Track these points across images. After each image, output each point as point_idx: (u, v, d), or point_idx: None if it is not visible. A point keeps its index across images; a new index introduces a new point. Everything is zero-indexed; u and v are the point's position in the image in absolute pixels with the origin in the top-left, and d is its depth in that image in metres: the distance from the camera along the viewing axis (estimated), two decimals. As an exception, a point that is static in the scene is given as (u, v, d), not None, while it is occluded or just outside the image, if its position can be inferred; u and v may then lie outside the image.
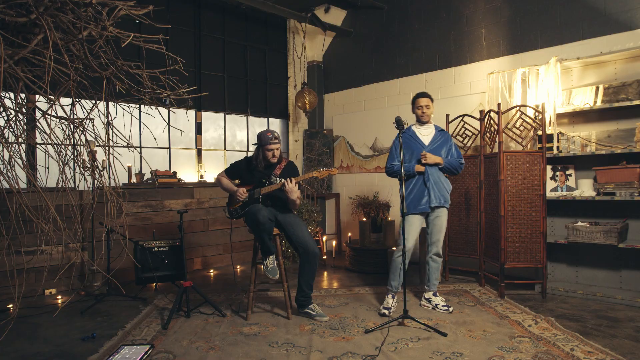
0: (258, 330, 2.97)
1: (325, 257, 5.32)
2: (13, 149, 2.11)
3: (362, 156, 5.80)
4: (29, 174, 2.15)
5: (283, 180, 3.17)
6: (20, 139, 2.13)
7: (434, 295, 3.38)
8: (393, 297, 3.30)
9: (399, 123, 3.01)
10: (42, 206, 2.26)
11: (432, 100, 3.34)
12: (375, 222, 4.77)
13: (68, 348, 2.69)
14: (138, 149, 4.70)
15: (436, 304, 3.33)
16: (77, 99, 2.41)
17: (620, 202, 3.57)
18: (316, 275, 3.54)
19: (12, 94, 2.25)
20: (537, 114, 3.81)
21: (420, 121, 3.36)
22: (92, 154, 2.79)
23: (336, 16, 6.00)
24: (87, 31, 2.11)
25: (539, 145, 3.75)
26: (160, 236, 4.53)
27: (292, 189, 3.12)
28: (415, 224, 3.27)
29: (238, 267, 5.10)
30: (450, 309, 3.25)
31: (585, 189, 3.68)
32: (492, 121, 3.96)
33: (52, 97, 2.09)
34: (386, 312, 3.21)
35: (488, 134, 4.05)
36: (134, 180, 4.63)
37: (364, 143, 5.77)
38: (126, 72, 2.45)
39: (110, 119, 2.58)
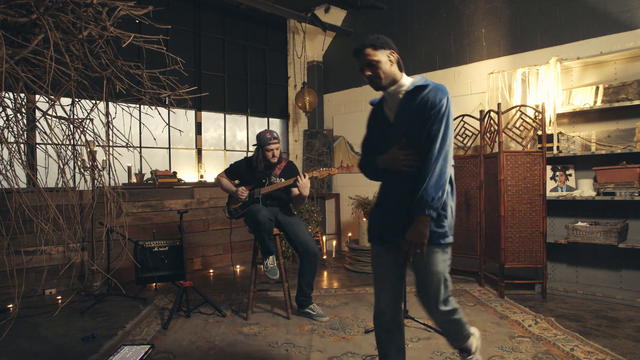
0: (258, 330, 2.97)
1: (325, 257, 5.31)
2: (13, 148, 2.11)
3: (362, 156, 5.79)
4: (30, 174, 2.15)
5: (290, 178, 3.17)
6: (20, 140, 2.13)
7: None
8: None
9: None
10: (42, 206, 2.26)
11: (381, 47, 1.83)
12: (375, 222, 4.77)
13: (68, 348, 2.69)
14: (138, 149, 4.70)
15: None
16: (77, 99, 2.41)
17: (620, 202, 3.57)
18: (316, 275, 3.54)
19: (11, 94, 2.25)
20: (537, 114, 3.81)
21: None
22: (92, 154, 2.79)
23: (336, 16, 6.00)
24: (87, 31, 2.11)
25: (539, 145, 3.75)
26: (160, 236, 4.53)
27: (306, 184, 3.11)
28: (384, 264, 1.88)
29: (238, 267, 5.10)
30: None
31: (585, 189, 3.68)
32: (492, 121, 3.96)
33: (53, 97, 2.09)
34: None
35: (488, 134, 4.05)
36: (134, 180, 4.63)
37: (364, 143, 5.76)
38: (126, 72, 2.45)
39: (110, 119, 2.58)
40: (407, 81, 1.87)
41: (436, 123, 1.72)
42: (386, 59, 1.83)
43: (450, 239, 1.78)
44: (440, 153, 1.70)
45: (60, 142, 2.32)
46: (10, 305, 3.46)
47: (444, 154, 1.70)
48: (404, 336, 1.95)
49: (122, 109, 2.64)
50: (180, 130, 3.55)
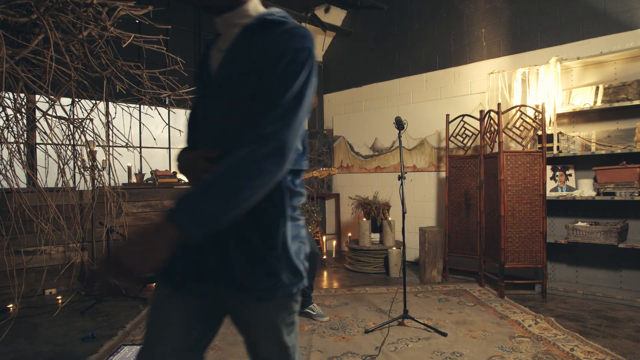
0: (258, 330, 2.97)
1: (325, 257, 5.31)
2: (13, 148, 2.11)
3: (362, 156, 5.79)
4: (30, 174, 2.16)
5: None
6: (20, 140, 2.13)
7: None
8: None
9: (399, 123, 3.01)
10: (42, 206, 2.26)
11: None
12: (375, 222, 4.77)
13: (68, 348, 2.69)
14: (138, 149, 4.70)
15: None
16: (77, 99, 2.41)
17: (620, 202, 3.57)
18: (316, 275, 3.54)
19: (11, 94, 2.25)
20: (537, 114, 3.81)
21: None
22: (92, 154, 2.79)
23: (336, 16, 6.00)
24: (87, 31, 2.11)
25: (539, 145, 3.75)
26: (160, 236, 4.53)
27: None
28: (168, 312, 1.10)
29: (238, 267, 5.09)
30: None
31: (585, 189, 3.68)
32: (492, 121, 3.96)
33: (53, 97, 2.09)
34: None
35: (488, 134, 4.05)
36: (134, 180, 4.63)
37: (364, 143, 5.77)
38: (126, 72, 2.46)
39: (110, 119, 2.58)
40: (254, 9, 1.06)
41: (281, 75, 0.94)
42: None
43: (295, 288, 1.05)
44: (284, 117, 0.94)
45: (60, 142, 2.32)
46: (10, 305, 3.46)
47: (290, 120, 0.94)
48: None
49: (122, 109, 2.64)
50: (180, 130, 3.55)
